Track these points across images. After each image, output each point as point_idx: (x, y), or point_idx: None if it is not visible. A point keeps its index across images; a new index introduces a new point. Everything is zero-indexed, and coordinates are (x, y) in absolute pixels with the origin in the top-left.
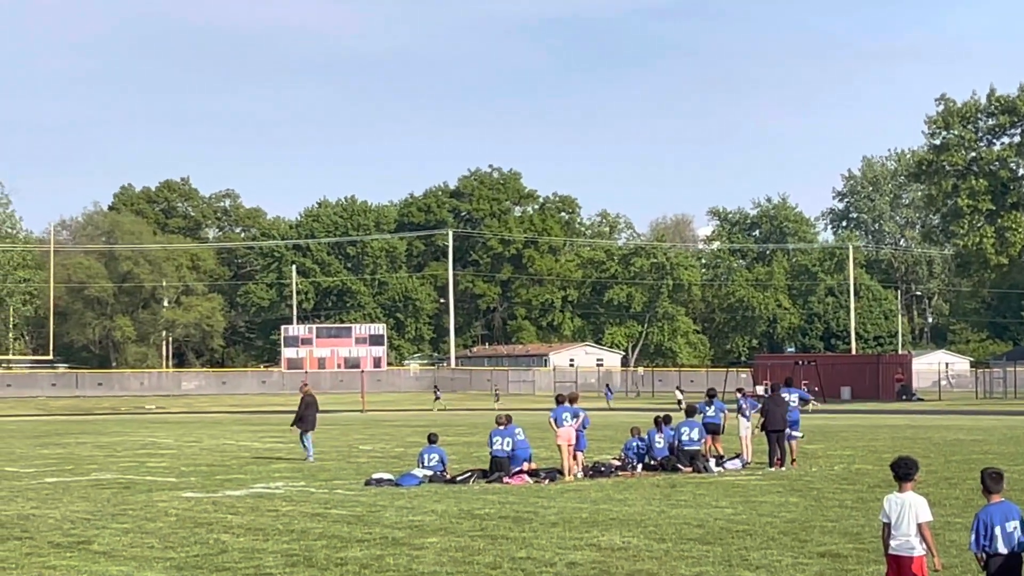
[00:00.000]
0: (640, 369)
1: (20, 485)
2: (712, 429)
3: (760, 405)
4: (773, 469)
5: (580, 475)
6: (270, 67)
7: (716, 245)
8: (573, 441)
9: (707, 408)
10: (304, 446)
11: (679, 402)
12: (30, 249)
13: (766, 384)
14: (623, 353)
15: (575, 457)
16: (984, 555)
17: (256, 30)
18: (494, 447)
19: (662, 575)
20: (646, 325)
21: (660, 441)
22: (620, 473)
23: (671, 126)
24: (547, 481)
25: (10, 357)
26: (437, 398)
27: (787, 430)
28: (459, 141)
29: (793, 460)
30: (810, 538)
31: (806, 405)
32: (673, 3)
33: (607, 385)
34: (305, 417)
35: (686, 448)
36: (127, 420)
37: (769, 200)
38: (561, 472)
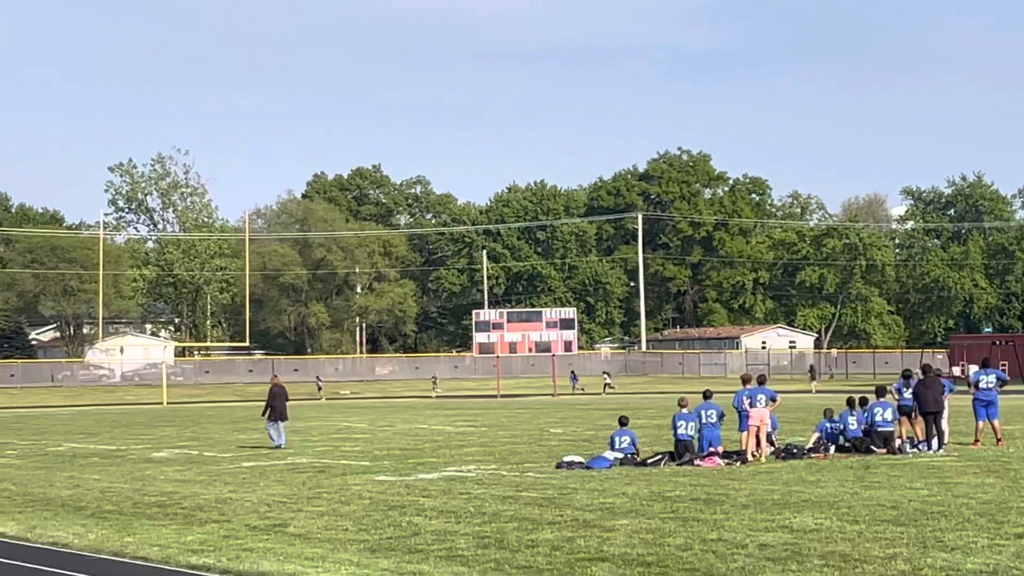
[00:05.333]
0: (834, 351)
1: (218, 469)
2: (907, 411)
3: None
4: (931, 451)
5: (771, 456)
6: (459, 54)
7: (910, 225)
8: (767, 422)
9: (904, 389)
10: (271, 436)
11: (606, 386)
12: (226, 238)
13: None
14: (816, 335)
15: (766, 439)
16: None
17: (446, 18)
18: (678, 431)
19: (855, 557)
20: (839, 306)
21: (853, 423)
22: (813, 455)
23: (863, 105)
24: (739, 463)
25: (208, 344)
26: (608, 384)
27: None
28: (648, 124)
29: (999, 440)
30: (1007, 519)
31: (1003, 386)
32: None
33: (572, 372)
34: (274, 407)
35: (880, 429)
36: (322, 405)
37: (964, 178)
38: (755, 454)
